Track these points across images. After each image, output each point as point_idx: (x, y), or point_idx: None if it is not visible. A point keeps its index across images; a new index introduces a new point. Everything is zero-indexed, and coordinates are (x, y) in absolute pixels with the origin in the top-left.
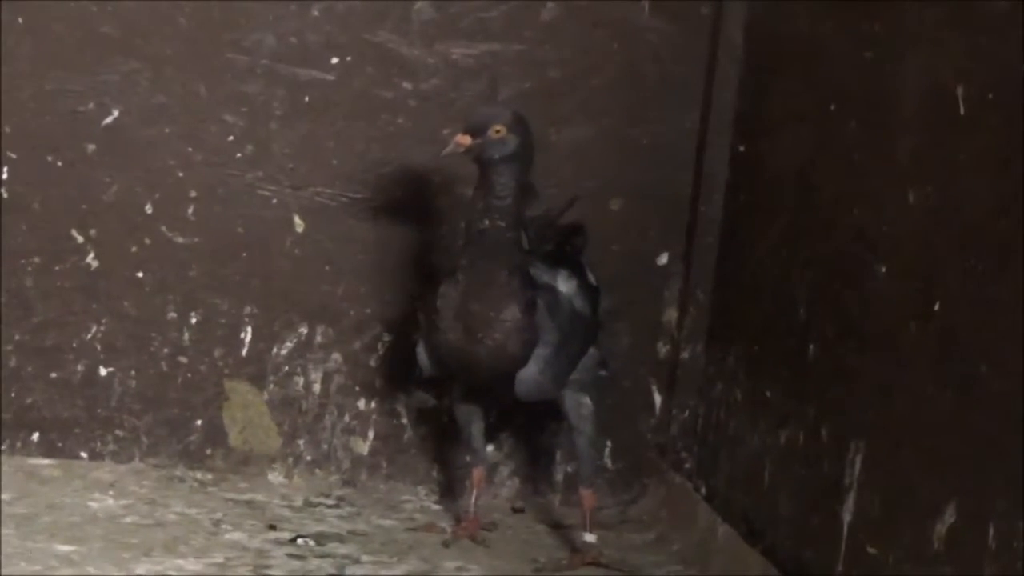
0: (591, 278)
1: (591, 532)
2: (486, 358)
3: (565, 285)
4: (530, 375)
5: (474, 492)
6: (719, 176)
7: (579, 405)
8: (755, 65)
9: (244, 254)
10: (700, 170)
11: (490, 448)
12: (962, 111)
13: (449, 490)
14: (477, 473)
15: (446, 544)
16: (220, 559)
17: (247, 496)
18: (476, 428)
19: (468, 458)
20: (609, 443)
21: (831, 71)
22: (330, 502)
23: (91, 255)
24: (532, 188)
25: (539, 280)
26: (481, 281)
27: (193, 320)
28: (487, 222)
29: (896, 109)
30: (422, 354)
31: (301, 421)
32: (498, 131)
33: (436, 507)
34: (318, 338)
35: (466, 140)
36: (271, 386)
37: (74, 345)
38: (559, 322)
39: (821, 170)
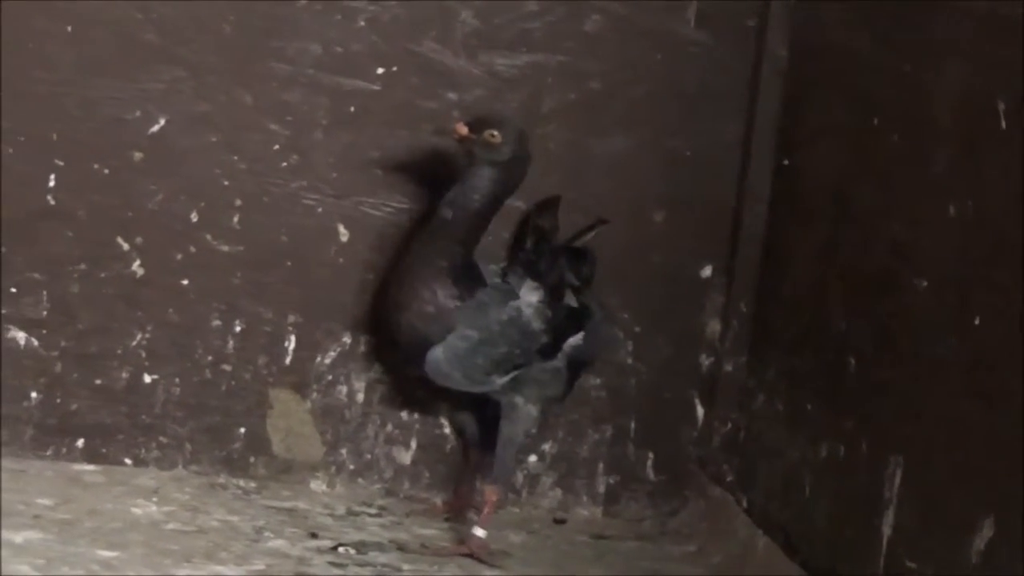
0: (571, 301)
1: (483, 528)
2: (402, 330)
3: (526, 294)
4: (435, 357)
5: (485, 511)
6: (762, 188)
7: (512, 407)
8: (798, 77)
9: (288, 263)
10: (743, 182)
11: (532, 458)
12: (1002, 124)
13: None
14: (489, 491)
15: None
16: (261, 566)
17: (289, 504)
18: (472, 441)
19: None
20: (651, 455)
21: (871, 83)
22: (372, 511)
23: (136, 263)
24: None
25: (492, 280)
26: (416, 259)
27: (237, 328)
28: (449, 212)
29: (935, 122)
30: None
31: (344, 430)
32: (493, 136)
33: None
34: (361, 347)
35: (464, 130)
36: (314, 395)
37: (118, 352)
38: (487, 321)
39: (860, 183)
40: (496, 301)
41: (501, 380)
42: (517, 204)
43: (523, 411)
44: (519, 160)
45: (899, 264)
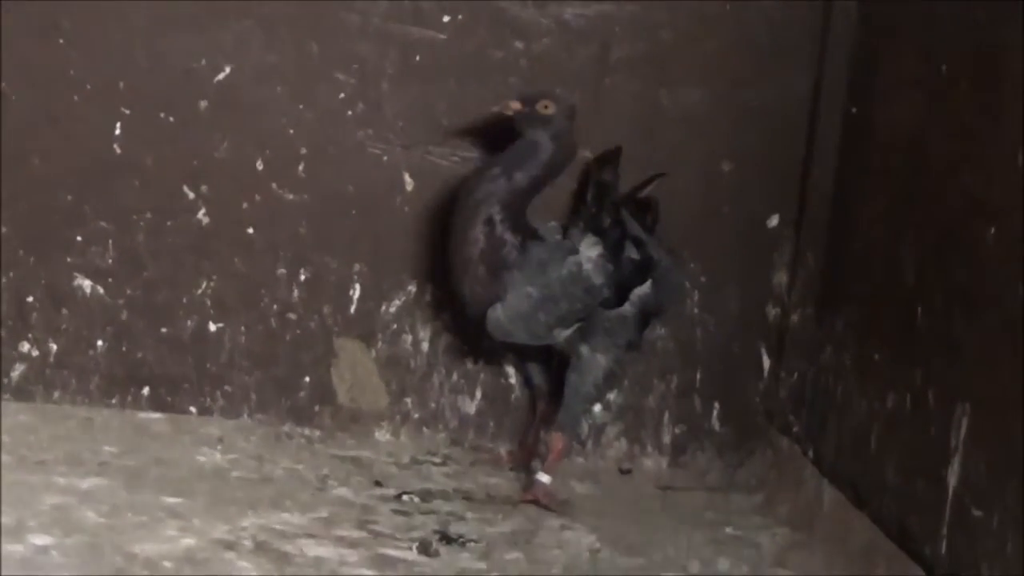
0: (632, 253)
1: (548, 475)
2: (465, 298)
3: (586, 249)
4: (495, 316)
5: (550, 458)
6: (831, 140)
7: (579, 357)
8: (868, 29)
9: (354, 212)
10: (812, 134)
11: (598, 408)
12: None
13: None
14: (555, 438)
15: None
16: (325, 514)
17: (354, 453)
18: (539, 391)
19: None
20: (717, 406)
21: (942, 34)
22: (436, 460)
23: (202, 211)
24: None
25: (551, 237)
26: (462, 227)
27: (302, 278)
28: (502, 178)
29: (1007, 71)
30: None
31: (409, 380)
32: (546, 107)
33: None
34: (427, 297)
35: (516, 106)
36: (380, 344)
37: (184, 301)
38: (547, 278)
39: (932, 134)
40: (555, 258)
41: (564, 333)
42: (584, 153)
43: (591, 360)
44: (568, 129)
45: (969, 215)
